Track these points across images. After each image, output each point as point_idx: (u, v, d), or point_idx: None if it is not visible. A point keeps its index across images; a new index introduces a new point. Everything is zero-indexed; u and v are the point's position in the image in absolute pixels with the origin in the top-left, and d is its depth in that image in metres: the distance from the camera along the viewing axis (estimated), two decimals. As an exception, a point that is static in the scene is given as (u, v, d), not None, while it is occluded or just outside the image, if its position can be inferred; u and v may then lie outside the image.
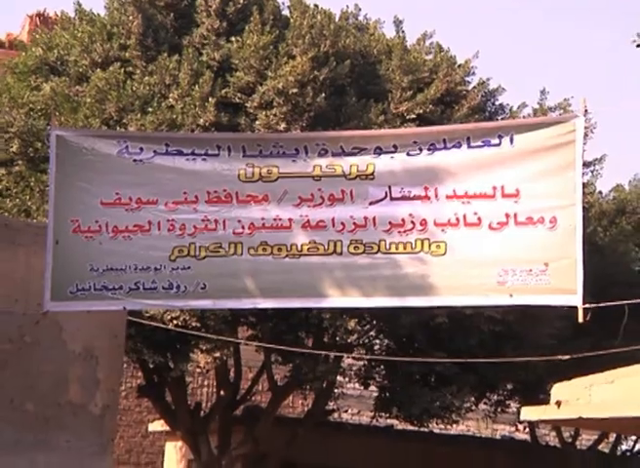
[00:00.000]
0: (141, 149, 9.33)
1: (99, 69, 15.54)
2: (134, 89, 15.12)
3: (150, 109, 14.84)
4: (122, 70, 15.39)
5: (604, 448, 21.23)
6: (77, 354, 10.94)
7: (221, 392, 18.55)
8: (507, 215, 8.73)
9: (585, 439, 21.66)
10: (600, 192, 19.40)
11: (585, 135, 9.02)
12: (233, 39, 15.29)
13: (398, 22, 17.04)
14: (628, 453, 21.34)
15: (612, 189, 20.00)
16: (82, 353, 10.97)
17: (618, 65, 64.49)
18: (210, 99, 14.72)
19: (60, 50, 16.36)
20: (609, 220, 18.71)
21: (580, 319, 8.60)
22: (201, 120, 14.56)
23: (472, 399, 19.03)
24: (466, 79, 16.57)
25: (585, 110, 8.92)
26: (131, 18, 15.80)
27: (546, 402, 16.00)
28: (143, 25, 15.74)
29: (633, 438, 20.57)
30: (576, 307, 8.59)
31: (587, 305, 8.57)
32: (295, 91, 14.73)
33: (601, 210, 18.64)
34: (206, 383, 22.57)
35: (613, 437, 20.86)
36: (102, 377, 11.12)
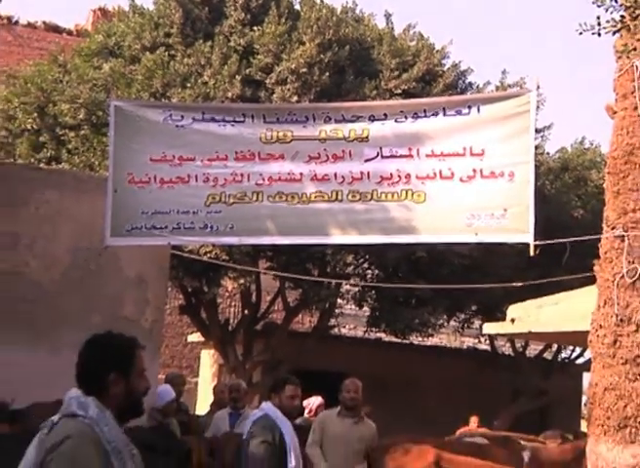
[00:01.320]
0: (182, 117, 9.28)
1: (147, 52, 15.53)
2: (175, 68, 15.10)
3: (189, 85, 14.82)
4: (166, 53, 15.38)
5: (547, 356, 21.31)
6: (131, 279, 10.98)
7: (245, 311, 18.62)
8: (474, 170, 8.68)
9: (533, 349, 21.70)
10: (548, 153, 19.33)
11: (537, 106, 8.97)
12: (255, 28, 15.25)
13: (388, 15, 16.99)
14: (566, 360, 21.41)
15: (557, 151, 19.92)
16: (135, 279, 11.00)
17: (567, 45, 64.22)
18: (236, 77, 14.69)
19: (117, 37, 16.35)
20: (554, 175, 18.63)
21: (532, 253, 8.60)
22: (229, 93, 14.52)
23: (444, 317, 19.10)
24: (442, 61, 16.54)
25: (537, 86, 8.85)
26: (173, 11, 15.78)
27: (503, 319, 16.08)
28: (183, 17, 15.70)
29: (571, 348, 20.63)
30: (528, 244, 8.59)
31: (537, 242, 8.56)
32: (304, 70, 14.70)
33: (548, 167, 18.56)
34: (233, 304, 22.56)
35: (554, 347, 20.93)
36: (151, 298, 11.16)
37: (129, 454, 3.98)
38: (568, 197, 18.18)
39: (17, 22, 25.25)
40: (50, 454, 3.83)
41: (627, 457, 7.99)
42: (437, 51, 16.49)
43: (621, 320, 8.10)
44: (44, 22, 25.80)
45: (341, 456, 8.44)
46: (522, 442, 10.54)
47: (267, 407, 7.38)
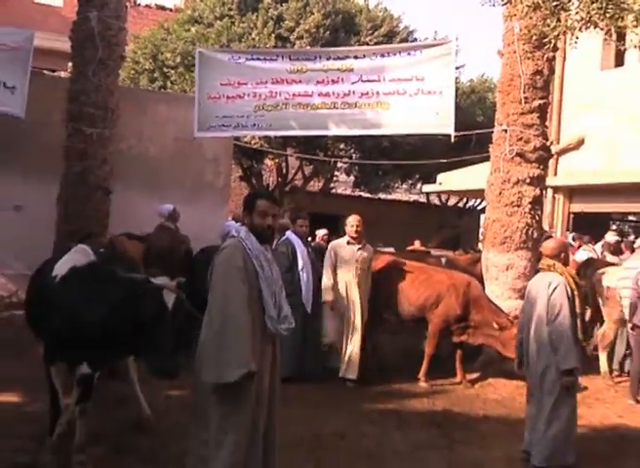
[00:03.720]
0: (239, 57, 9.06)
1: (218, 20, 15.04)
2: (234, 30, 14.64)
3: (243, 40, 14.41)
4: (229, 21, 14.88)
5: (460, 204, 21.25)
6: (209, 158, 10.90)
7: (279, 179, 18.56)
8: (419, 89, 8.51)
9: (452, 201, 21.61)
10: (462, 82, 18.84)
11: (456, 52, 8.73)
12: (284, 4, 14.72)
13: (365, -4, 16.37)
14: (472, 207, 21.35)
15: (468, 80, 19.41)
16: (212, 158, 10.92)
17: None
18: (272, 35, 14.27)
19: (199, 11, 15.80)
20: (466, 95, 18.19)
21: (452, 140, 8.52)
22: (268, 45, 14.11)
23: (399, 182, 19.05)
24: (399, 25, 16.02)
25: (457, 39, 8.69)
26: (235, -7, 15.19)
27: (434, 182, 16.04)
28: (239, -3, 15.12)
29: (474, 199, 20.59)
30: (450, 135, 8.49)
31: (455, 133, 8.47)
32: (314, 30, 14.29)
33: (462, 90, 18.10)
34: (271, 175, 22.41)
35: (465, 199, 20.90)
36: (222, 170, 11.11)
37: (264, 258, 4.12)
38: (474, 109, 17.79)
39: (139, 4, 24.59)
40: (217, 254, 4.10)
41: (504, 260, 8.13)
42: (396, 18, 15.99)
43: (504, 180, 8.11)
44: (155, 4, 25.15)
45: (352, 273, 7.48)
46: (443, 253, 10.63)
47: (288, 233, 7.54)
